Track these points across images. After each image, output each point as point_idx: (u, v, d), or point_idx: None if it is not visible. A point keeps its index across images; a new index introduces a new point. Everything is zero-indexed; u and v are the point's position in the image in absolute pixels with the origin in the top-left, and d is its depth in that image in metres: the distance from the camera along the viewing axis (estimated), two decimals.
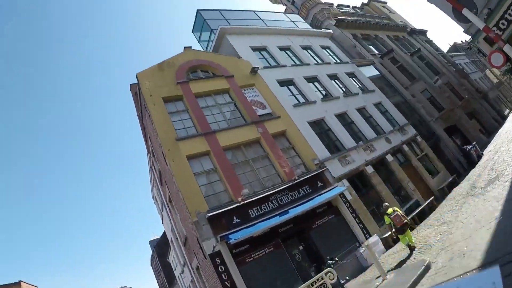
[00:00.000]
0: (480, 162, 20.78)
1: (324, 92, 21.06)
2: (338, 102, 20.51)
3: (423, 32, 45.04)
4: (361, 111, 21.43)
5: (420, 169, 20.30)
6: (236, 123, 16.06)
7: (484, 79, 47.85)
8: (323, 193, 14.79)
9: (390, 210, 12.01)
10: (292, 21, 27.34)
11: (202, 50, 23.11)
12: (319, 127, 18.27)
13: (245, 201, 12.93)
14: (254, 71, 18.42)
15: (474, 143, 23.57)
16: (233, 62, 18.69)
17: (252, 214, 12.97)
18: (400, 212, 11.97)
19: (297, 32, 25.46)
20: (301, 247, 13.78)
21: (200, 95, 16.38)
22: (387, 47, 33.58)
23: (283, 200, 13.95)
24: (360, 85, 24.30)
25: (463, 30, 16.20)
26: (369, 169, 17.33)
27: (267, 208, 13.39)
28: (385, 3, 49.49)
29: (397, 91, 26.87)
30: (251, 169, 14.71)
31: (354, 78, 24.63)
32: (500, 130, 29.64)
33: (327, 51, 26.01)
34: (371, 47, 32.36)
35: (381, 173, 18.22)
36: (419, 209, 16.68)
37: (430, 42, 44.17)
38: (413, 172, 19.97)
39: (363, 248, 13.13)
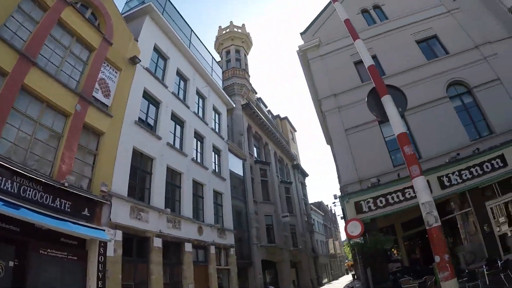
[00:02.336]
0: None
1: (177, 140, 18.74)
2: (181, 159, 18.26)
3: (304, 174, 47.76)
4: (196, 185, 19.45)
5: (213, 279, 18.07)
6: (64, 79, 12.28)
7: (323, 245, 51.10)
8: (82, 225, 11.33)
9: None
10: (212, 68, 25.99)
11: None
12: (141, 163, 15.42)
13: None
14: (135, 61, 15.56)
15: None
16: (125, 36, 15.70)
17: None
18: None
19: (206, 77, 24.03)
20: (11, 263, 9.66)
21: (64, 25, 12.63)
22: (267, 159, 33.87)
23: (32, 195, 10.04)
24: (217, 165, 22.79)
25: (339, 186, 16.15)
26: (157, 243, 14.49)
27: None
28: (295, 131, 52.56)
29: (245, 198, 25.87)
30: (32, 134, 10.70)
31: (216, 155, 23.23)
32: None
33: (215, 115, 24.78)
34: (254, 148, 32.30)
35: (169, 256, 15.51)
36: None
37: (303, 185, 46.71)
38: (203, 279, 17.61)
39: None
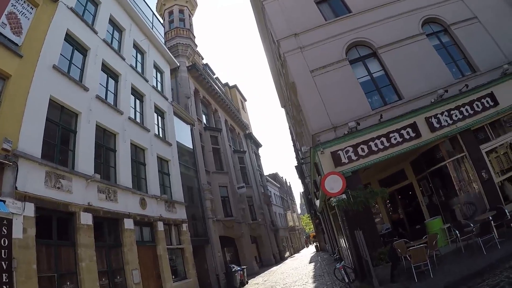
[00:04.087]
0: None
1: (110, 95, 15.22)
2: (115, 117, 14.85)
3: (257, 144, 45.48)
4: (136, 149, 16.19)
5: (164, 262, 15.07)
6: None
7: (282, 217, 49.70)
8: None
9: None
10: (152, 24, 22.28)
11: None
12: (62, 119, 11.91)
13: None
14: None
15: (244, 267, 21.20)
16: None
17: None
18: None
19: (146, 30, 20.47)
20: None
21: None
22: (218, 126, 30.91)
23: None
24: (161, 128, 19.46)
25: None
26: (86, 219, 11.19)
27: None
28: (245, 101, 49.88)
29: (196, 167, 22.81)
30: None
31: (160, 117, 19.84)
32: (275, 268, 28.48)
33: (156, 73, 21.20)
34: (203, 114, 29.14)
35: (103, 237, 12.33)
36: None
37: (257, 156, 44.51)
38: (151, 262, 14.58)
39: None
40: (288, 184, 71.14)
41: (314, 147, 12.49)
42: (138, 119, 17.08)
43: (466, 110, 11.98)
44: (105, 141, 14.10)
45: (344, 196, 10.47)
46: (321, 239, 40.46)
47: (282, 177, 62.32)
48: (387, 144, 11.82)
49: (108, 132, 14.36)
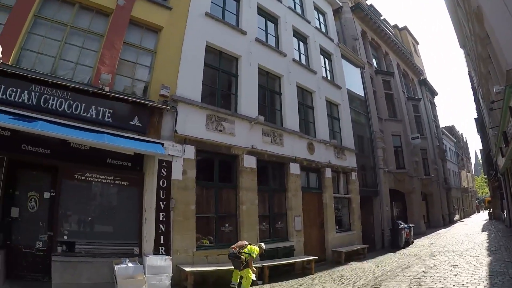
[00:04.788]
0: (404, 251, 15.43)
1: (271, 38, 14.03)
2: (278, 59, 13.58)
3: (433, 92, 39.45)
4: (303, 92, 14.72)
5: (329, 211, 13.83)
6: None
7: (455, 176, 43.12)
8: (136, 139, 7.94)
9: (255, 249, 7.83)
10: None
11: None
12: (221, 63, 11.34)
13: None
14: None
15: (412, 225, 18.37)
16: None
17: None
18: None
19: None
20: (47, 194, 7.54)
21: None
22: (389, 70, 27.19)
23: (56, 105, 7.21)
24: (328, 71, 17.54)
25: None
26: (249, 162, 10.56)
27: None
28: (418, 44, 43.54)
29: (367, 114, 20.33)
30: (62, 39, 8.02)
31: (326, 59, 17.80)
32: (443, 231, 24.63)
33: (318, 15, 19.00)
34: (373, 58, 25.83)
35: (267, 181, 11.65)
36: (288, 261, 10.69)
37: (432, 105, 38.64)
38: (315, 210, 13.48)
39: (130, 264, 7.17)
40: (465, 140, 61.14)
41: (510, 85, 9.09)
42: (303, 61, 15.43)
43: None
44: (269, 84, 13.03)
45: None
46: (496, 205, 33.42)
47: (458, 131, 53.62)
48: None
49: (272, 74, 13.20)
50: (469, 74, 30.49)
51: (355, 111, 18.91)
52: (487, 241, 16.13)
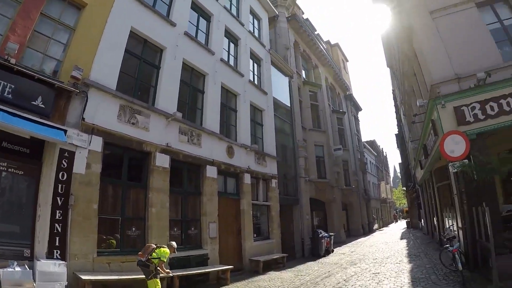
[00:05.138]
0: (324, 259, 15.71)
1: (201, 34, 13.58)
2: (205, 56, 13.20)
3: (357, 107, 41.75)
4: (227, 94, 14.48)
5: (246, 218, 13.55)
6: None
7: (375, 188, 45.93)
8: (35, 122, 6.90)
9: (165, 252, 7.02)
10: None
11: None
12: (144, 53, 10.59)
13: None
14: None
15: (332, 234, 18.86)
16: None
17: None
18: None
19: None
20: None
21: None
22: (317, 82, 28.08)
23: None
24: (256, 76, 17.54)
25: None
26: (162, 161, 9.89)
27: None
28: (347, 61, 45.84)
29: (292, 122, 20.58)
30: None
31: (255, 64, 17.81)
32: (362, 239, 25.91)
33: (253, 19, 19.00)
34: (302, 69, 26.49)
35: (181, 183, 11.05)
36: (202, 271, 10.07)
37: (356, 120, 40.86)
38: (232, 216, 13.15)
39: (18, 269, 6.11)
40: (385, 154, 65.71)
41: (433, 99, 9.77)
42: (231, 63, 15.22)
43: None
44: (192, 81, 12.52)
45: (466, 161, 8.18)
46: (414, 215, 36.29)
47: (379, 146, 57.40)
48: None
49: (197, 71, 12.72)
50: (393, 93, 32.70)
51: (280, 119, 19.10)
52: (407, 248, 17.05)
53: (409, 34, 11.90)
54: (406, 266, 11.39)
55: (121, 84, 9.26)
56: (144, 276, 6.92)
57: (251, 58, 17.12)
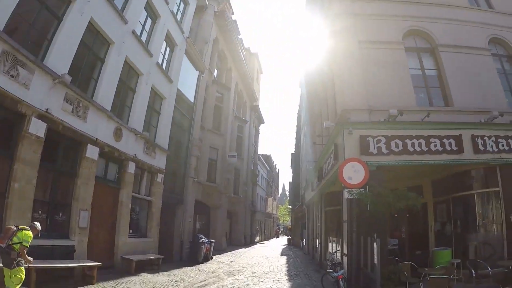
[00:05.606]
0: (202, 266, 15.24)
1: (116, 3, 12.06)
2: (116, 22, 11.74)
3: (260, 120, 43.00)
4: (129, 70, 13.18)
5: (124, 211, 12.35)
6: None
7: (262, 201, 47.42)
8: None
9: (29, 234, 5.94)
10: None
11: None
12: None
13: None
14: None
15: (213, 241, 18.62)
16: None
17: None
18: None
19: None
20: None
21: None
22: (227, 84, 27.85)
23: None
24: (166, 60, 16.55)
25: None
26: (37, 127, 8.29)
27: None
28: (261, 73, 46.94)
29: (191, 118, 19.81)
30: None
31: (168, 48, 16.81)
32: (243, 250, 26.19)
33: (180, 1, 18.04)
34: (215, 68, 25.98)
35: (54, 157, 9.44)
36: (65, 265, 8.68)
37: (257, 132, 42.15)
38: (108, 207, 11.88)
39: None
40: (277, 170, 68.64)
41: (341, 124, 10.25)
42: (143, 39, 14.02)
43: None
44: (94, 45, 11.05)
45: (362, 190, 8.60)
46: (296, 233, 38.22)
47: (273, 162, 59.74)
48: (425, 148, 10.02)
49: (102, 36, 11.25)
50: (298, 113, 34.05)
51: (180, 112, 18.35)
52: (286, 265, 17.33)
53: (333, 57, 12.38)
54: (285, 285, 11.51)
55: (12, 29, 7.65)
56: (1, 265, 5.75)
57: (165, 40, 16.10)
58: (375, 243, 7.89)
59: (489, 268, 8.26)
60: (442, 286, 6.77)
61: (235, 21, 33.90)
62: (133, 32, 12.88)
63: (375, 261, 7.74)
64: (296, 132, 37.25)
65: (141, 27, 13.93)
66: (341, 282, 8.21)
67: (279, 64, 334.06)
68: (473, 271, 8.25)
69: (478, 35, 12.35)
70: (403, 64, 11.40)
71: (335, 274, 8.67)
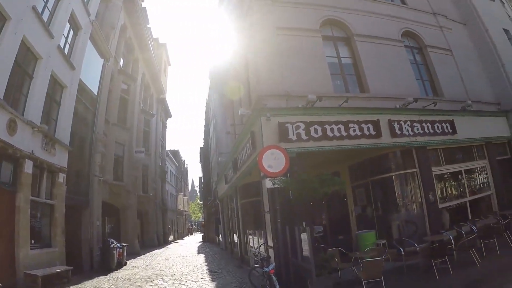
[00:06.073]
0: (117, 274, 14.08)
1: None
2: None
3: (167, 114, 41.72)
4: (27, 53, 11.33)
5: (23, 218, 10.46)
6: None
7: (173, 198, 45.90)
8: None
9: None
10: None
11: None
12: None
13: None
14: None
15: (125, 244, 17.21)
16: None
17: None
18: None
19: None
20: None
21: None
22: (134, 75, 26.13)
23: None
24: (68, 44, 14.63)
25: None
26: None
27: None
28: (169, 65, 45.39)
29: (95, 110, 17.94)
30: None
31: (72, 30, 14.94)
32: (158, 251, 24.83)
33: None
34: (122, 57, 24.18)
35: None
36: None
37: (164, 126, 40.84)
38: (3, 214, 9.92)
39: None
40: (186, 166, 67.18)
41: (258, 110, 9.87)
42: (45, 17, 12.18)
43: (428, 127, 11.74)
44: None
45: (282, 178, 8.42)
46: (211, 229, 37.69)
47: (182, 157, 58.23)
48: (344, 134, 10.29)
49: None
50: (206, 106, 33.33)
51: (83, 104, 16.49)
52: (206, 264, 16.61)
53: (248, 43, 12.15)
54: (210, 285, 10.93)
55: None
56: None
57: (69, 21, 14.25)
58: (305, 232, 7.77)
59: (416, 245, 8.87)
60: (378, 267, 7.03)
61: (144, 8, 32.09)
62: (34, 8, 11.07)
63: (307, 250, 7.61)
64: (204, 126, 36.50)
65: (43, 3, 12.11)
66: (273, 277, 7.90)
67: (187, 56, 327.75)
68: (402, 249, 8.75)
69: (392, 27, 13.53)
70: (320, 52, 11.73)
71: (266, 269, 8.14)
